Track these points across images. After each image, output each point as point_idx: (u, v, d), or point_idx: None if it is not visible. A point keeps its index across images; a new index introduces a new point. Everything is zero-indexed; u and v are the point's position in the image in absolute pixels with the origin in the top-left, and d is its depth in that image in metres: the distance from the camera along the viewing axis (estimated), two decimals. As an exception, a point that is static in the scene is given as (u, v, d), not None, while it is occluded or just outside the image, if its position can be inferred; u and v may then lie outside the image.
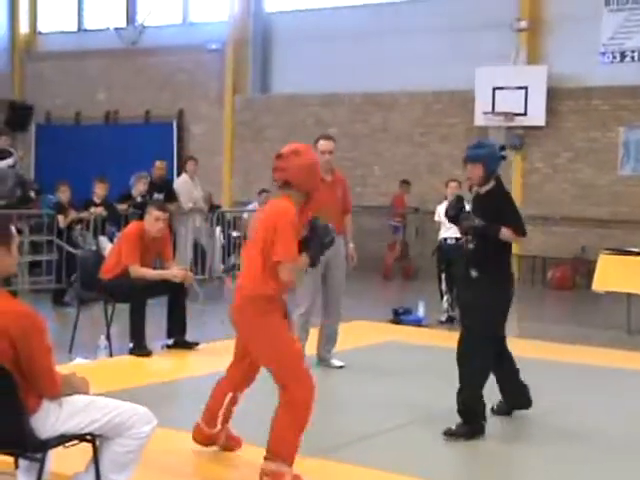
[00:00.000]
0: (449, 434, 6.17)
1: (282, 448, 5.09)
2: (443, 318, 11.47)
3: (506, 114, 16.36)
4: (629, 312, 11.17)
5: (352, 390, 7.58)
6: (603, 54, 15.93)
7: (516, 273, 16.46)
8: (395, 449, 5.99)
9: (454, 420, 6.21)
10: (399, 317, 11.35)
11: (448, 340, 9.13)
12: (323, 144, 8.05)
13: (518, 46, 16.69)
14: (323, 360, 8.30)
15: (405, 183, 17.17)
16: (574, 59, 16.04)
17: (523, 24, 16.59)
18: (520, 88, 16.26)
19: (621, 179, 15.77)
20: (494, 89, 16.46)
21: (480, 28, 16.76)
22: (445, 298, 11.61)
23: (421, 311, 11.44)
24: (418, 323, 11.23)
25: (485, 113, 16.56)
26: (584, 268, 15.23)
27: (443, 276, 11.64)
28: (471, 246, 6.40)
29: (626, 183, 15.70)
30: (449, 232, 11.45)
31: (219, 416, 5.66)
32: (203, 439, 5.73)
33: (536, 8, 16.65)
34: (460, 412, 6.23)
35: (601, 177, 15.93)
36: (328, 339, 8.30)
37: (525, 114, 16.30)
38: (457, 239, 11.44)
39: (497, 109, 16.43)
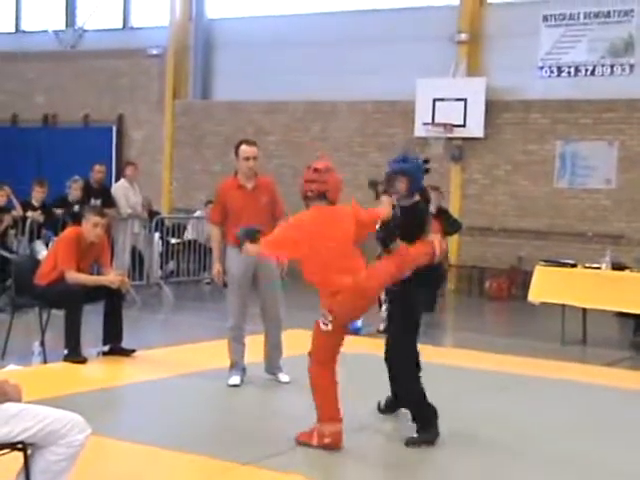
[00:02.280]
0: (411, 442, 6.21)
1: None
2: (381, 327, 11.49)
3: (445, 125, 16.50)
4: (563, 323, 11.32)
5: (284, 400, 7.56)
6: (541, 68, 16.17)
7: (453, 283, 16.69)
8: (324, 459, 5.98)
9: (388, 431, 6.21)
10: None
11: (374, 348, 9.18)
12: (247, 150, 7.83)
13: (458, 58, 16.86)
14: (271, 372, 8.16)
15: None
16: (512, 72, 16.26)
17: (463, 37, 16.77)
18: (459, 100, 16.42)
19: (558, 191, 16.00)
20: (434, 100, 16.61)
21: (421, 39, 16.91)
22: (384, 307, 11.63)
23: (359, 321, 11.44)
24: (356, 332, 11.23)
25: (425, 124, 16.69)
26: (520, 279, 15.42)
27: (382, 285, 11.65)
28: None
29: (563, 195, 15.94)
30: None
31: None
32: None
33: (476, 21, 16.85)
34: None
35: (538, 189, 16.15)
36: (273, 348, 8.12)
37: (464, 126, 16.46)
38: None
39: (437, 120, 16.57)
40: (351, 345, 10.02)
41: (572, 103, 15.92)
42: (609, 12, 15.59)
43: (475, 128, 16.44)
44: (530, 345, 10.99)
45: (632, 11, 15.39)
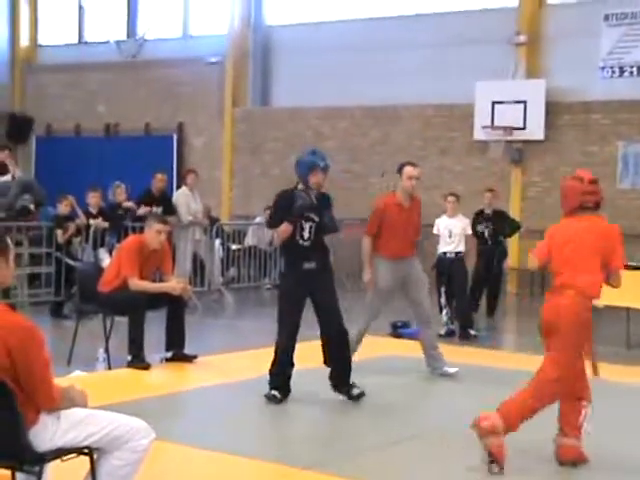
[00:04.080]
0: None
1: None
2: (442, 332, 11.44)
3: (505, 128, 16.39)
4: (628, 326, 11.15)
5: (354, 403, 7.56)
6: (602, 69, 15.97)
7: (515, 287, 16.54)
8: (396, 463, 5.97)
9: (454, 436, 6.17)
10: (397, 331, 11.33)
11: (447, 354, 9.15)
12: (411, 171, 8.52)
13: (517, 60, 16.73)
14: (437, 369, 8.74)
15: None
16: (573, 73, 16.09)
17: (522, 38, 16.64)
18: (519, 102, 16.29)
19: (620, 192, 15.78)
20: (493, 103, 16.50)
21: (480, 42, 16.81)
22: (444, 312, 11.60)
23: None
24: (416, 337, 11.19)
25: (484, 127, 16.59)
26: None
27: (442, 290, 11.64)
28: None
29: (626, 197, 15.71)
30: (449, 246, 11.51)
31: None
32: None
33: (535, 23, 16.71)
34: None
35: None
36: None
37: (524, 128, 16.33)
38: (457, 253, 11.49)
39: (496, 123, 16.46)
40: (411, 349, 10.04)
41: (634, 103, 15.70)
42: (671, 10, 15.36)
43: (535, 130, 16.30)
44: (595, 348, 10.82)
45: (695, 8, 15.15)
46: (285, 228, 7.16)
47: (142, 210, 13.39)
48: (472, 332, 11.40)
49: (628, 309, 11.14)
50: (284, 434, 6.69)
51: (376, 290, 8.52)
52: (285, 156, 19.41)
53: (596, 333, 12.03)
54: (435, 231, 11.73)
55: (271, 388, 7.30)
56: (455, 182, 16.40)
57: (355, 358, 7.86)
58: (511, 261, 15.35)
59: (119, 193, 14.17)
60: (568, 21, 16.23)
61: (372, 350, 9.91)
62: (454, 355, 9.62)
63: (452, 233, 11.54)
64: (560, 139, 16.39)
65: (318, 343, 7.57)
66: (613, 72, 15.93)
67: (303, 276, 7.21)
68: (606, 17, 15.89)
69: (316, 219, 7.26)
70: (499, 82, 16.56)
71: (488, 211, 12.73)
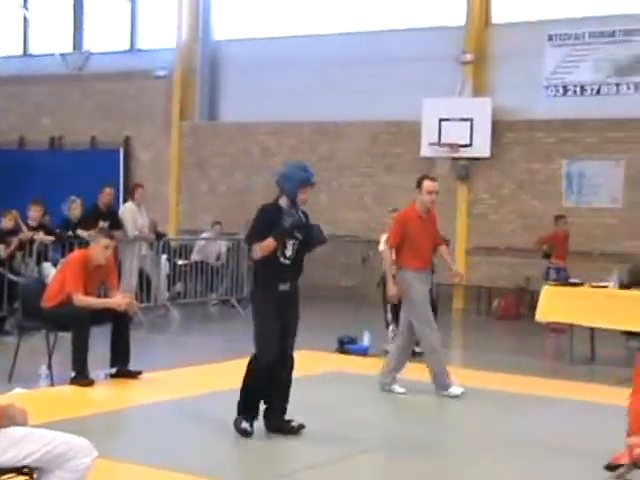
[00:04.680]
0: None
1: None
2: (389, 347, 11.47)
3: (452, 145, 16.53)
4: (571, 342, 11.29)
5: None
6: (546, 88, 16.21)
7: (461, 303, 16.67)
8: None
9: (393, 450, 6.18)
10: (344, 346, 11.33)
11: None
12: (431, 185, 8.71)
13: (464, 79, 16.91)
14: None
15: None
16: (518, 92, 16.30)
17: (469, 57, 16.82)
18: (465, 120, 16.45)
19: (564, 210, 15.97)
20: (440, 120, 16.64)
21: (428, 60, 16.96)
22: (391, 327, 11.62)
23: (366, 340, 11.43)
24: (363, 353, 11.22)
25: (431, 144, 16.72)
26: (528, 298, 15.38)
27: (388, 306, 11.67)
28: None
29: (569, 214, 15.90)
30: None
31: None
32: None
33: (481, 41, 16.90)
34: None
35: (545, 208, 16.13)
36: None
37: (470, 145, 16.49)
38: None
39: (443, 140, 16.60)
40: (358, 366, 10.05)
41: (578, 122, 15.95)
42: (614, 32, 15.63)
43: (481, 148, 16.47)
44: (538, 364, 10.95)
45: (637, 30, 15.44)
46: (270, 244, 6.72)
47: (85, 233, 13.19)
48: (417, 349, 11.42)
49: (571, 325, 11.27)
50: (228, 452, 6.63)
51: (418, 303, 8.57)
52: (232, 171, 19.40)
53: (541, 348, 12.19)
54: (380, 247, 11.74)
55: (243, 419, 6.82)
56: (402, 198, 16.40)
57: (302, 373, 7.83)
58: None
59: (74, 208, 13.90)
60: (513, 41, 16.45)
61: (318, 366, 9.91)
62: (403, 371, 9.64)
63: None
64: (505, 157, 16.58)
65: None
66: (557, 91, 16.17)
67: (277, 297, 6.82)
68: (550, 37, 16.14)
69: (300, 237, 6.92)
70: (446, 99, 16.71)
71: None
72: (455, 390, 8.61)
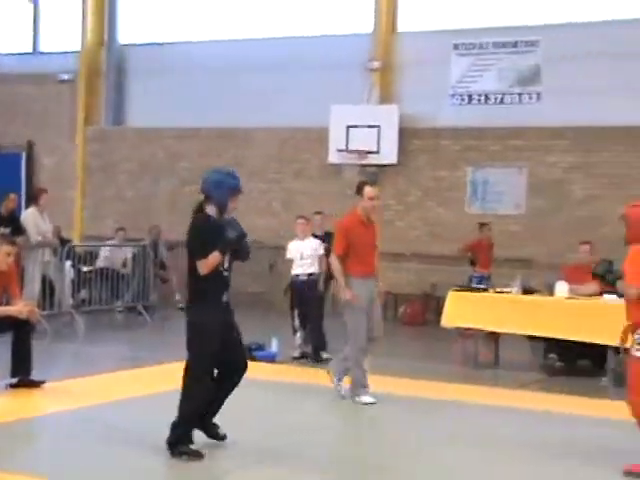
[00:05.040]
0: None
1: None
2: (296, 354, 11.48)
3: (359, 152, 16.64)
4: (476, 347, 11.46)
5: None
6: (452, 96, 16.46)
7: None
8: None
9: (309, 457, 6.17)
10: (252, 353, 11.27)
11: (300, 376, 9.17)
12: (372, 191, 8.78)
13: (371, 86, 17.05)
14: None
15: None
16: (424, 100, 16.50)
17: (376, 64, 16.97)
18: (373, 127, 16.57)
19: (469, 217, 16.24)
20: (348, 127, 16.73)
21: (335, 67, 17.04)
22: (298, 334, 11.64)
23: (274, 347, 11.41)
24: (271, 359, 11.20)
25: (339, 150, 16.80)
26: (434, 304, 15.57)
27: (296, 312, 11.68)
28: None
29: (474, 221, 16.15)
30: (301, 269, 11.53)
31: None
32: None
33: (388, 49, 17.07)
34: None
35: (450, 215, 16.37)
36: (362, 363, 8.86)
37: (378, 152, 16.61)
38: (309, 275, 11.53)
39: (351, 147, 16.69)
40: (266, 372, 10.02)
41: (482, 130, 16.22)
42: (516, 42, 15.96)
43: (388, 155, 16.61)
44: (444, 369, 11.08)
45: (538, 41, 15.78)
46: (217, 259, 6.52)
47: None
48: (324, 355, 11.46)
49: (479, 330, 11.44)
50: (128, 464, 6.50)
51: (356, 310, 8.61)
52: (138, 177, 19.17)
53: (446, 354, 12.35)
54: (288, 255, 11.74)
55: (184, 444, 6.49)
56: (309, 205, 16.46)
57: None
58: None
59: None
60: (419, 49, 16.65)
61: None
62: (308, 377, 9.65)
63: (303, 255, 11.56)
64: (412, 164, 16.76)
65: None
66: (462, 100, 16.44)
67: (222, 309, 6.63)
68: (455, 46, 16.39)
69: (231, 252, 6.73)
70: (354, 106, 16.81)
71: (319, 233, 12.53)
72: (367, 399, 8.66)
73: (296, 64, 17.51)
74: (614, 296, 10.88)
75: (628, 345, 6.50)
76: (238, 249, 6.74)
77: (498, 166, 16.14)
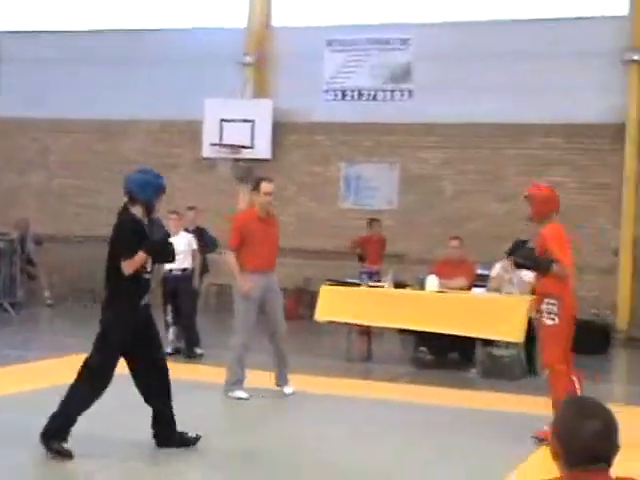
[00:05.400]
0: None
1: None
2: (169, 350, 11.35)
3: (233, 146, 16.57)
4: (349, 341, 11.57)
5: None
6: (326, 92, 16.56)
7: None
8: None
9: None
10: (124, 349, 11.10)
11: (173, 371, 9.05)
12: (267, 186, 8.99)
13: (245, 80, 16.99)
14: (279, 386, 9.00)
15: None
16: (299, 95, 16.53)
17: (250, 59, 16.92)
18: (247, 121, 16.53)
19: (343, 212, 16.39)
20: (222, 121, 16.64)
21: (209, 60, 16.88)
22: (171, 330, 11.52)
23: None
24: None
25: (213, 145, 16.68)
26: (307, 298, 15.63)
27: (169, 307, 11.56)
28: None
29: (347, 216, 16.33)
30: (174, 264, 11.37)
31: None
32: None
33: (263, 44, 17.04)
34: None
35: (324, 210, 16.47)
36: (283, 361, 9.06)
37: (252, 147, 16.58)
38: (183, 270, 11.43)
39: (224, 141, 16.60)
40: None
41: (355, 126, 16.38)
42: (389, 39, 16.17)
43: (262, 149, 16.60)
44: (317, 363, 11.15)
45: (410, 39, 16.03)
46: (142, 259, 6.45)
47: None
48: (198, 350, 11.38)
49: (349, 324, 11.55)
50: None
51: (241, 305, 8.75)
52: (8, 169, 18.60)
53: (320, 348, 12.45)
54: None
55: (59, 440, 6.33)
56: (183, 199, 16.27)
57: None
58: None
59: None
60: (294, 44, 16.67)
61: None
62: (181, 373, 9.56)
63: (177, 250, 11.39)
64: (287, 158, 16.80)
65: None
66: (336, 96, 16.56)
67: (141, 311, 6.55)
68: (329, 42, 16.50)
69: (155, 253, 6.65)
70: (228, 100, 16.72)
71: (191, 228, 12.45)
72: (240, 394, 8.67)
73: (170, 57, 17.28)
74: (482, 290, 11.22)
75: (537, 316, 7.44)
76: (161, 250, 6.68)
77: (371, 162, 16.34)
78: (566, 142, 15.25)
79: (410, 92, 16.05)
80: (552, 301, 7.09)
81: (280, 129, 16.64)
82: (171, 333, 11.50)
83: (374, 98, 16.32)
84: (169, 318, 11.52)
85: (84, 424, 6.44)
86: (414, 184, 16.07)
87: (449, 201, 15.88)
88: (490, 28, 15.65)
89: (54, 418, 6.35)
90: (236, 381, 8.76)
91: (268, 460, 6.61)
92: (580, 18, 15.20)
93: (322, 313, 11.50)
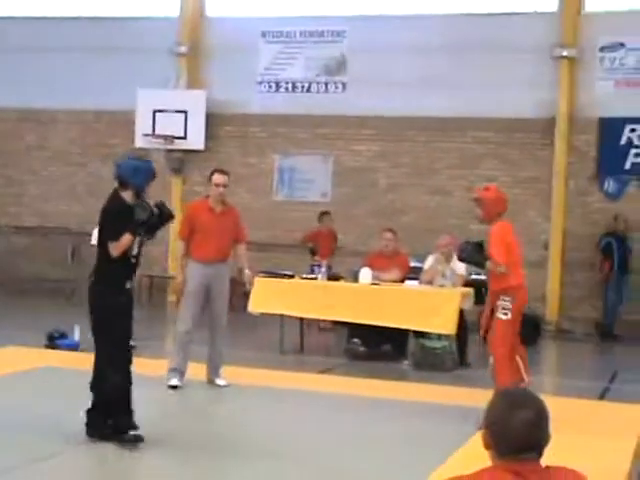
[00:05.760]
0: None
1: None
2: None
3: (166, 137, 16.45)
4: (282, 333, 11.58)
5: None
6: (260, 83, 16.52)
7: (172, 296, 16.61)
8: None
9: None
10: (55, 342, 10.97)
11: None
12: (219, 178, 8.95)
13: (178, 70, 16.87)
14: (210, 381, 8.99)
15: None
16: (233, 86, 16.47)
17: (183, 49, 16.80)
18: (180, 112, 16.43)
19: (277, 204, 16.38)
20: (154, 111, 16.51)
21: (142, 50, 16.71)
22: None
23: (77, 335, 11.13)
24: (74, 347, 10.92)
25: (145, 135, 16.55)
26: (241, 290, 15.57)
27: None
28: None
29: (282, 208, 16.33)
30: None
31: None
32: None
33: (196, 34, 16.92)
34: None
35: (258, 202, 16.42)
36: (218, 356, 9.07)
37: (185, 138, 16.48)
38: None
39: (157, 132, 16.48)
40: (69, 360, 9.77)
41: (289, 118, 16.37)
42: (323, 32, 16.19)
43: (196, 140, 16.51)
44: (250, 356, 11.14)
45: (344, 32, 16.08)
46: (128, 240, 6.60)
47: None
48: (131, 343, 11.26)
49: (282, 316, 11.56)
50: None
51: (186, 292, 8.83)
52: None
53: (253, 340, 12.44)
54: (93, 241, 11.42)
55: (127, 430, 6.54)
56: (115, 190, 16.17)
57: (6, 371, 7.50)
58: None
59: None
60: (228, 35, 16.58)
61: (27, 362, 9.54)
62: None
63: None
64: (221, 150, 16.71)
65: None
66: (270, 87, 16.53)
67: (126, 296, 6.75)
68: (263, 34, 16.46)
69: (142, 233, 6.77)
70: (161, 91, 16.60)
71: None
72: (174, 382, 8.72)
73: (102, 46, 17.05)
74: (415, 282, 11.31)
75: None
76: (153, 224, 6.80)
77: (305, 154, 16.35)
78: (497, 136, 15.45)
79: (344, 85, 16.10)
80: (507, 297, 7.55)
81: (214, 120, 16.56)
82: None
83: (308, 90, 16.33)
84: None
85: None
86: (348, 176, 16.12)
87: (383, 194, 15.97)
88: (423, 22, 15.75)
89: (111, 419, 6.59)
90: (173, 369, 8.74)
91: (208, 452, 6.59)
92: (511, 13, 15.41)
93: (255, 305, 11.49)
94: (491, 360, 7.61)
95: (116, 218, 6.65)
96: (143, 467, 6.40)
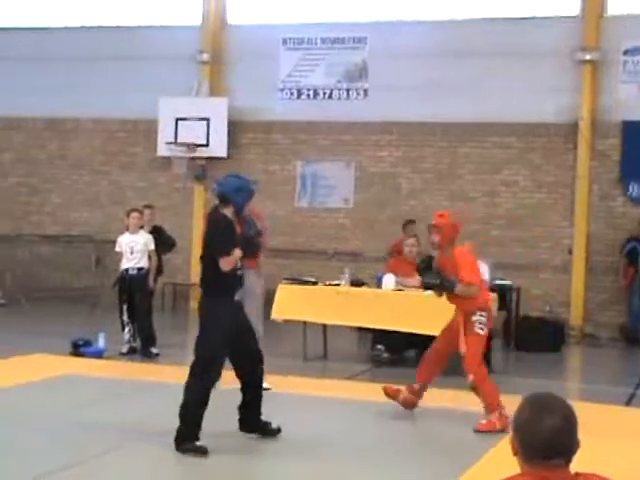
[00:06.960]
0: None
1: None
2: (124, 349, 11.30)
3: (188, 145, 16.50)
4: (305, 340, 11.56)
5: (30, 424, 7.24)
6: (281, 90, 16.55)
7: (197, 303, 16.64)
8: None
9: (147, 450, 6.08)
10: (79, 349, 11.03)
11: (129, 371, 9.02)
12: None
13: (200, 78, 16.93)
14: None
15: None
16: (254, 93, 16.51)
17: (205, 57, 16.86)
18: (202, 119, 16.47)
19: (299, 210, 16.39)
20: (177, 120, 16.57)
21: (164, 58, 16.79)
22: (127, 329, 11.44)
23: (101, 342, 11.18)
24: (99, 355, 10.97)
25: (168, 143, 16.61)
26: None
27: (125, 307, 11.47)
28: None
29: (304, 214, 16.34)
30: (131, 263, 11.34)
31: None
32: None
33: (218, 42, 16.98)
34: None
35: (280, 208, 16.43)
36: None
37: (207, 145, 16.53)
38: (139, 269, 11.35)
39: (180, 140, 16.53)
40: (93, 368, 9.81)
41: (311, 125, 16.39)
42: (344, 38, 16.19)
43: (218, 148, 16.54)
44: (274, 363, 11.11)
45: (365, 38, 16.08)
46: (238, 255, 6.80)
47: None
48: (154, 350, 11.32)
49: (305, 323, 11.55)
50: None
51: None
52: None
53: (276, 347, 12.42)
54: (117, 248, 11.54)
55: (192, 440, 6.63)
56: (138, 198, 16.22)
57: (32, 378, 7.54)
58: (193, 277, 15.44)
59: None
60: (249, 42, 16.63)
61: (52, 370, 9.58)
62: (136, 372, 9.51)
63: (134, 249, 11.38)
64: (243, 157, 16.75)
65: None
66: (291, 94, 16.55)
67: (234, 307, 6.90)
68: (284, 41, 16.48)
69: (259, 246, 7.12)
70: (183, 99, 16.65)
71: (148, 227, 12.32)
72: None
73: (124, 54, 17.14)
74: (430, 292, 11.25)
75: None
76: (252, 245, 7.07)
77: (327, 160, 16.36)
78: (520, 141, 15.39)
79: (365, 91, 16.09)
80: (483, 313, 7.93)
81: (236, 127, 16.60)
82: (127, 332, 11.42)
83: (330, 97, 16.34)
84: (125, 317, 11.44)
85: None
86: (370, 182, 16.11)
87: (405, 199, 15.95)
88: (445, 27, 15.74)
89: (180, 422, 6.63)
90: None
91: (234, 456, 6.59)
92: (533, 18, 15.36)
93: (279, 312, 11.47)
94: (470, 378, 7.82)
95: (224, 234, 6.84)
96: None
